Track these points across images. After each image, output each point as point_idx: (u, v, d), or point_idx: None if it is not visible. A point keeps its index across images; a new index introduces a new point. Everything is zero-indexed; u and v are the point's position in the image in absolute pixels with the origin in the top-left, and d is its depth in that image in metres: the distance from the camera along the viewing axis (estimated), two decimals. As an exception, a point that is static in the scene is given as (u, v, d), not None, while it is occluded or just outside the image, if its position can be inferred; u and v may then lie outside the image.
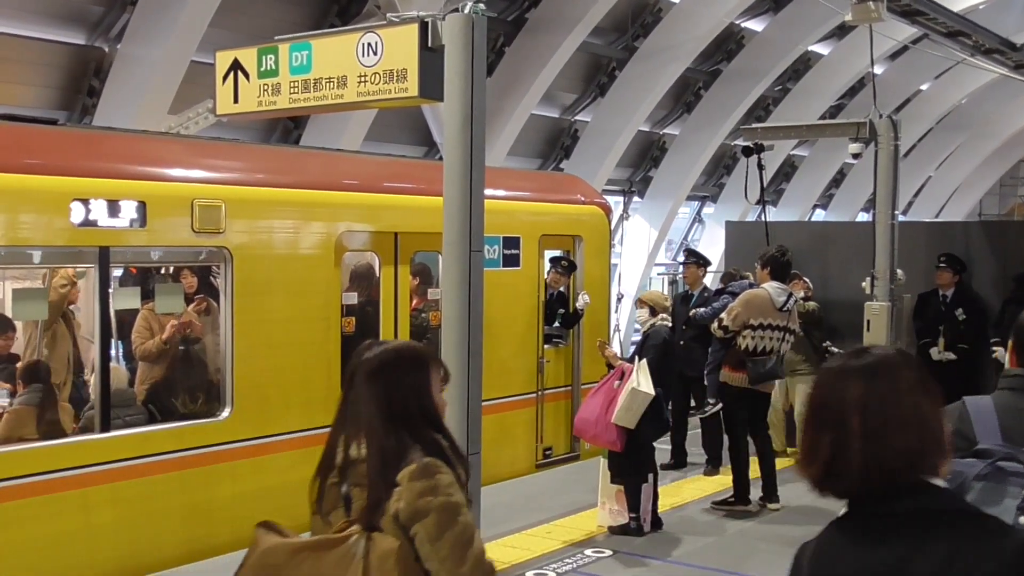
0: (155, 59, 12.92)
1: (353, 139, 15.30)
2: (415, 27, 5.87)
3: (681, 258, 13.76)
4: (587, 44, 19.03)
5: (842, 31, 23.28)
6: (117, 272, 8.55)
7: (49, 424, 7.31)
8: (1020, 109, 31.88)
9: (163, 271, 8.92)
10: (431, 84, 5.88)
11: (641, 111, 20.66)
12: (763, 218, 11.40)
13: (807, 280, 10.99)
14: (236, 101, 6.85)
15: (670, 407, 8.76)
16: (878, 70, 23.08)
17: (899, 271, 10.13)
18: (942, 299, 11.06)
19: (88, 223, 7.04)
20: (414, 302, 9.71)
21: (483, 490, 6.54)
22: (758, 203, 10.96)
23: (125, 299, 8.29)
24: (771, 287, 8.84)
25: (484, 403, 6.11)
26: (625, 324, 21.44)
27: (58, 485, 6.82)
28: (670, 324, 8.69)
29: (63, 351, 7.77)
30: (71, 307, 7.96)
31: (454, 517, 2.82)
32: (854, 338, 10.22)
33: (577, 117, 21.19)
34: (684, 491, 9.45)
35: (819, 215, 31.59)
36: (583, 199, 11.77)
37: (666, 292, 18.81)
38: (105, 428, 7.20)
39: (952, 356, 10.88)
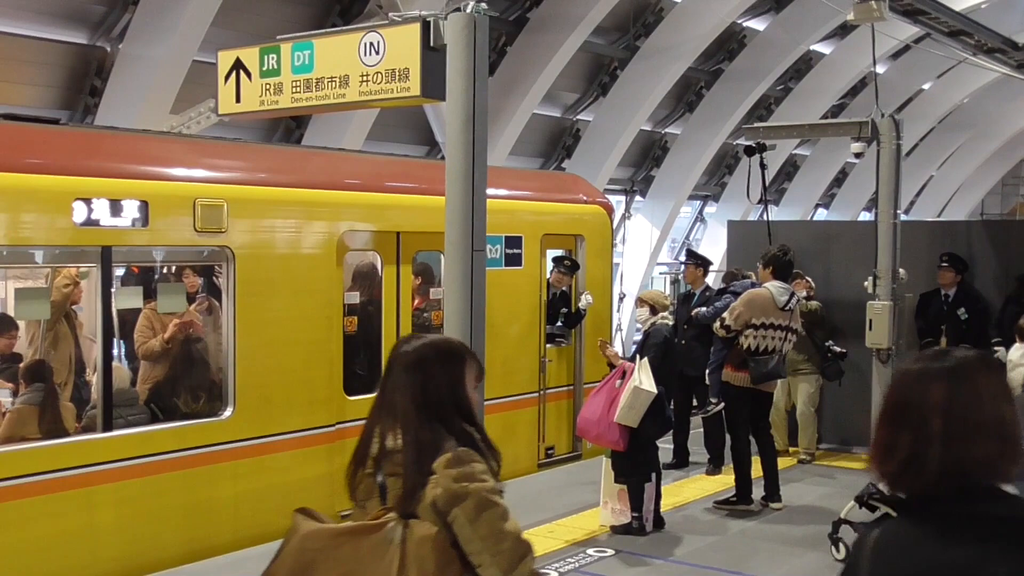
0: (157, 59, 12.93)
1: (355, 139, 15.31)
2: (417, 27, 5.87)
3: (682, 258, 13.75)
4: (589, 43, 19.02)
5: (844, 30, 23.26)
6: (119, 272, 8.55)
7: (51, 423, 7.29)
8: (1022, 108, 31.84)
9: (165, 270, 8.92)
10: (433, 83, 5.88)
11: (643, 110, 20.67)
12: (765, 217, 11.38)
13: (809, 279, 10.97)
14: (238, 101, 6.86)
15: (672, 406, 8.76)
16: (880, 69, 23.03)
17: (901, 270, 10.11)
18: (944, 299, 11.04)
19: (90, 223, 7.05)
20: (416, 302, 9.71)
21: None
22: (760, 202, 10.91)
23: (127, 299, 8.28)
24: (773, 286, 8.84)
25: (486, 402, 6.09)
26: (627, 323, 21.43)
27: (60, 485, 6.83)
28: (672, 322, 8.69)
29: (65, 351, 7.76)
30: (73, 307, 7.95)
31: (491, 499, 2.91)
32: (856, 338, 10.22)
33: (579, 116, 21.20)
34: (686, 491, 9.45)
35: (821, 214, 31.56)
36: (585, 198, 11.77)
37: (668, 291, 18.83)
38: (107, 427, 7.20)
39: (954, 356, 10.84)
